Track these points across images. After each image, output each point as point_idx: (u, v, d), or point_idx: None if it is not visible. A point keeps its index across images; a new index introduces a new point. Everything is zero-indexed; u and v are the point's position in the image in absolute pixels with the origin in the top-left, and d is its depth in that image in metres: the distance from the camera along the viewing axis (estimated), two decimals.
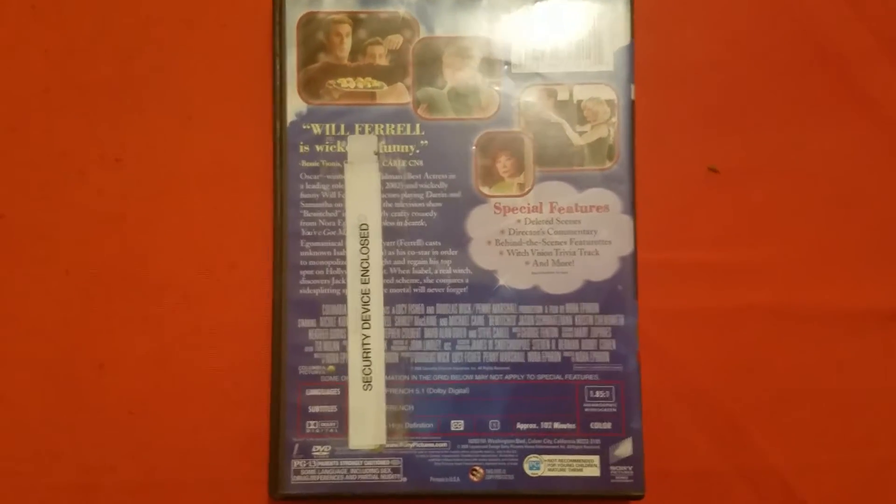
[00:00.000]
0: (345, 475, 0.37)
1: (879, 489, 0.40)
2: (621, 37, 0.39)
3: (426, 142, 0.38)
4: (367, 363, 0.38)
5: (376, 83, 0.39)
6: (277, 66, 0.39)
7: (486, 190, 0.38)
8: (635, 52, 0.39)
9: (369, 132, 0.38)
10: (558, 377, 0.37)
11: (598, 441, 0.37)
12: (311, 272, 0.38)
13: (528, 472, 0.37)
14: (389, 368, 0.38)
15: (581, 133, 0.38)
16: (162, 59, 0.41)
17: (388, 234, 0.38)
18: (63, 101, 0.40)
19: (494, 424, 0.37)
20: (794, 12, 0.41)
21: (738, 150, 0.41)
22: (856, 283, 0.40)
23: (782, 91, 0.41)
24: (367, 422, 0.37)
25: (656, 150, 0.40)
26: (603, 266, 0.38)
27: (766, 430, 0.40)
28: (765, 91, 0.41)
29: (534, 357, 0.38)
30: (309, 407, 0.37)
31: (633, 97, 0.38)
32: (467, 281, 0.38)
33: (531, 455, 0.37)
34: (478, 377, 0.37)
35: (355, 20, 0.39)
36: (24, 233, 0.40)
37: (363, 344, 0.38)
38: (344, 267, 0.38)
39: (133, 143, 0.40)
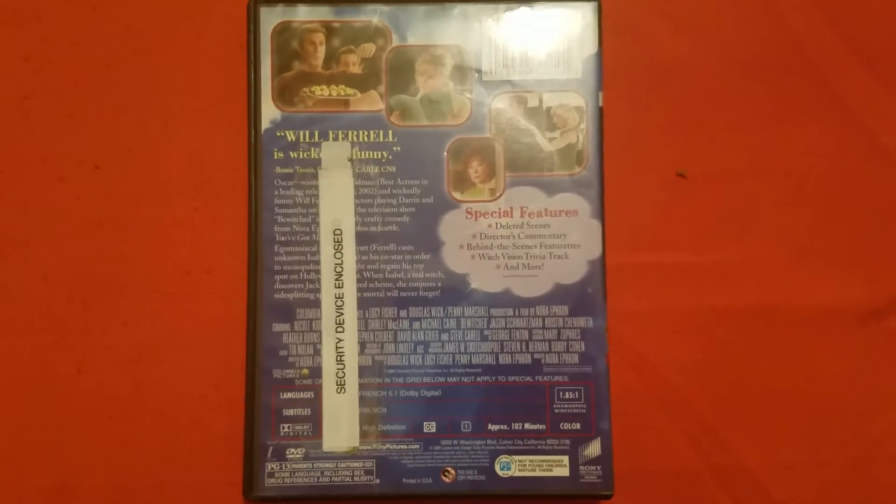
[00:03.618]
0: (318, 477, 0.37)
1: (853, 488, 0.40)
2: (589, 45, 0.39)
3: (399, 148, 0.39)
4: (341, 366, 0.38)
5: (350, 91, 0.39)
6: (252, 74, 0.39)
7: (457, 195, 0.39)
8: (603, 60, 0.40)
9: (343, 139, 0.39)
10: (529, 378, 0.38)
11: (567, 441, 0.37)
12: (285, 276, 0.39)
13: (500, 472, 0.37)
14: (363, 371, 0.38)
15: (551, 139, 0.39)
16: (140, 67, 0.41)
17: (362, 238, 0.39)
18: (42, 108, 0.41)
19: (466, 426, 0.38)
20: (763, 18, 0.42)
21: (705, 154, 0.41)
22: (825, 284, 0.41)
23: (750, 96, 0.42)
24: (341, 424, 0.38)
25: (625, 155, 0.40)
26: (572, 269, 0.38)
27: (738, 431, 0.40)
28: (732, 96, 0.42)
29: (505, 359, 0.38)
30: (283, 410, 0.38)
31: (601, 104, 0.39)
32: (440, 284, 0.38)
33: (502, 456, 0.38)
34: (450, 379, 0.38)
35: (329, 29, 0.39)
36: (2, 238, 0.40)
37: (337, 347, 0.38)
38: (318, 271, 0.39)
39: (111, 150, 0.41)
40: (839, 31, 0.42)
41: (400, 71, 0.39)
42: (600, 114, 0.39)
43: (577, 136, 0.39)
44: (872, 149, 0.42)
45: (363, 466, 0.37)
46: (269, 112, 0.39)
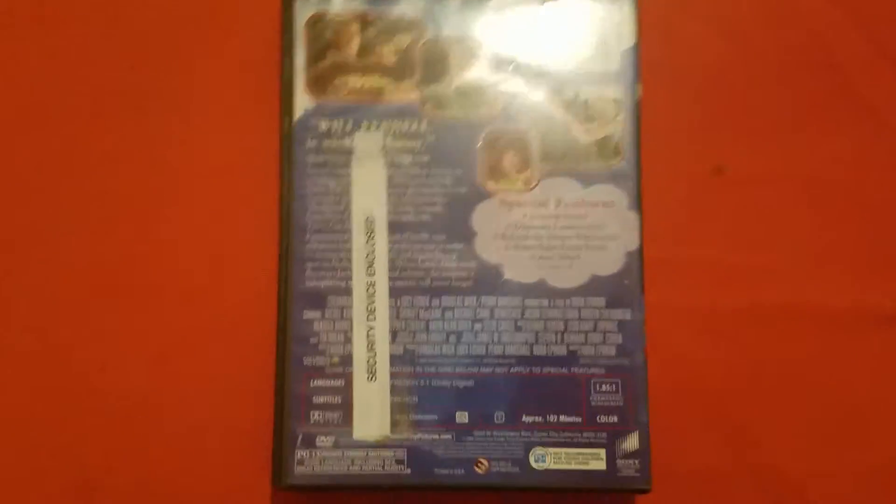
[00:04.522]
0: (349, 466, 0.37)
1: (889, 490, 0.39)
2: (627, 37, 0.39)
3: (432, 138, 0.39)
4: (372, 354, 0.38)
5: (383, 81, 0.39)
6: (286, 64, 0.39)
7: (492, 185, 0.39)
8: (641, 53, 0.39)
9: (376, 129, 0.39)
10: (564, 370, 0.37)
11: (604, 434, 0.37)
12: (316, 264, 0.38)
13: (534, 464, 0.37)
14: (394, 360, 0.38)
15: (587, 130, 0.39)
16: (173, 58, 0.41)
17: (394, 227, 0.38)
18: (70, 102, 0.41)
19: (499, 417, 0.37)
20: (797, 19, 0.42)
21: (743, 151, 0.41)
22: (860, 285, 0.41)
23: (786, 95, 0.42)
24: (372, 413, 0.37)
25: (662, 149, 0.40)
26: (609, 260, 0.38)
27: (773, 430, 0.40)
28: (769, 94, 0.42)
29: (539, 350, 0.38)
30: (313, 397, 0.37)
31: (639, 96, 0.39)
32: (473, 274, 0.38)
33: (537, 447, 0.37)
34: (483, 370, 0.37)
35: (363, 20, 0.39)
36: (26, 233, 0.40)
37: (368, 335, 0.38)
38: (350, 260, 0.38)
39: (142, 140, 0.41)
40: (869, 37, 0.42)
41: (434, 62, 0.39)
42: (638, 106, 0.39)
43: (614, 129, 0.39)
44: None
45: (394, 456, 0.37)
46: (303, 101, 0.39)
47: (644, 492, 0.36)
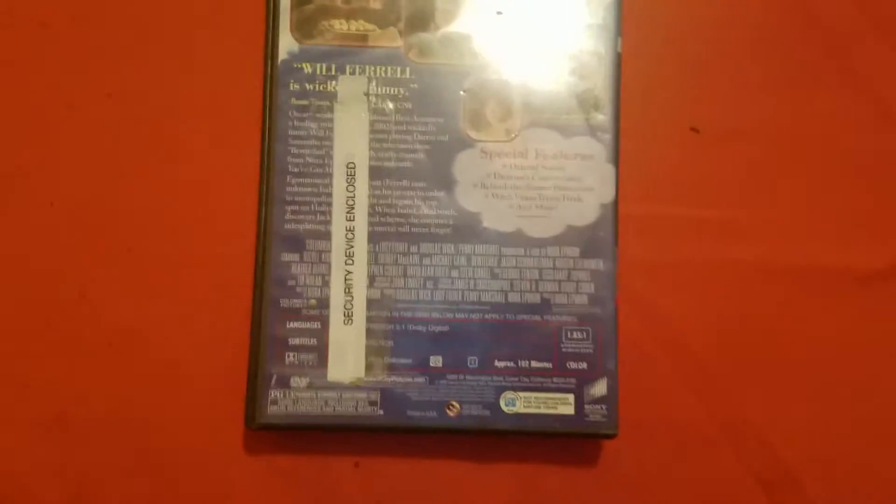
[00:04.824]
0: (322, 407, 0.37)
1: (856, 446, 0.40)
2: None
3: (416, 85, 0.39)
4: (349, 298, 0.38)
5: (369, 26, 0.39)
6: (271, 5, 0.39)
7: (473, 134, 0.39)
8: (624, 7, 0.40)
9: (360, 73, 0.39)
10: (537, 318, 0.38)
11: (573, 380, 0.37)
12: (296, 207, 0.38)
13: (504, 408, 0.37)
14: (371, 304, 0.38)
15: (569, 83, 0.39)
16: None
17: (375, 173, 0.39)
18: (59, 36, 0.41)
19: (473, 362, 0.38)
20: None
21: (719, 112, 0.42)
22: (830, 244, 0.41)
23: (769, 56, 0.42)
24: (347, 355, 0.38)
25: (641, 105, 0.41)
26: (585, 212, 0.39)
27: (742, 384, 0.40)
28: (752, 55, 0.42)
29: (514, 298, 0.38)
30: (289, 339, 0.38)
31: (619, 50, 0.39)
32: (452, 222, 0.38)
33: (507, 392, 0.38)
34: (458, 315, 0.38)
35: None
36: (10, 163, 0.40)
37: (346, 279, 0.38)
38: (330, 204, 0.38)
39: (126, 78, 0.41)
40: (856, 1, 0.42)
41: (420, 8, 0.39)
42: (619, 60, 0.39)
43: (595, 82, 0.39)
44: (881, 115, 0.42)
45: (367, 397, 0.37)
46: (287, 44, 0.39)
47: (611, 437, 0.37)
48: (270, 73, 0.39)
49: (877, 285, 0.41)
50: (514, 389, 0.38)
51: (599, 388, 0.38)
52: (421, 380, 0.37)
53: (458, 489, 0.39)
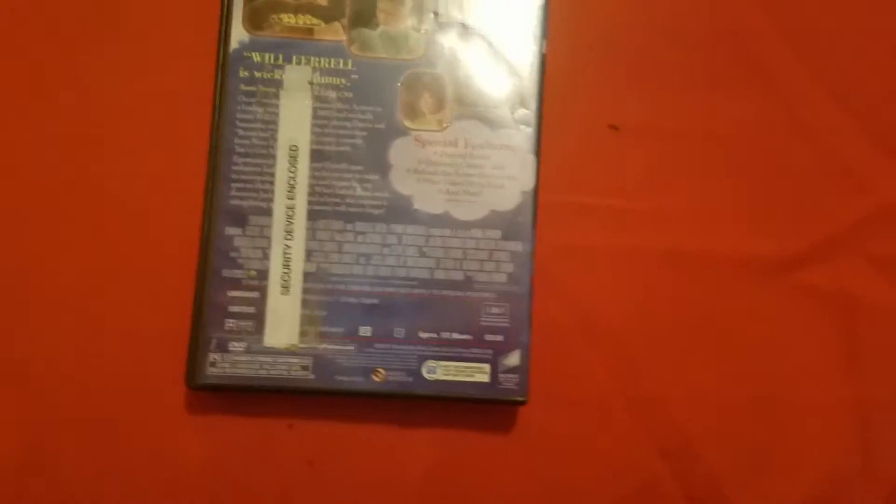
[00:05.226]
0: (258, 370, 0.40)
1: (754, 423, 0.44)
2: None
3: (357, 76, 0.42)
4: (287, 270, 0.41)
5: (315, 21, 0.43)
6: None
7: (408, 123, 0.42)
8: (550, 13, 0.43)
9: (305, 64, 0.42)
10: (460, 293, 0.41)
11: (490, 351, 0.41)
12: (241, 185, 0.41)
13: (426, 375, 0.41)
14: (307, 277, 0.41)
15: (497, 79, 0.43)
16: None
17: (316, 156, 0.42)
18: (29, 24, 0.43)
19: (399, 332, 0.41)
20: None
21: (636, 111, 0.45)
22: (738, 237, 0.45)
23: (682, 63, 0.46)
24: (283, 323, 0.41)
25: (562, 103, 0.44)
26: (507, 198, 0.42)
27: (648, 360, 0.44)
28: (666, 62, 0.46)
29: (440, 275, 0.41)
30: (229, 307, 0.41)
31: (544, 51, 0.43)
32: (385, 203, 0.42)
33: (429, 360, 0.41)
34: (388, 289, 0.41)
35: None
36: None
37: (285, 253, 0.41)
38: (272, 183, 0.42)
39: (85, 58, 0.44)
40: (767, 10, 0.46)
41: (363, 6, 0.43)
42: (543, 60, 0.43)
43: (521, 79, 0.43)
44: (790, 120, 0.46)
45: (300, 362, 0.40)
46: (239, 34, 0.42)
47: (521, 403, 0.41)
48: (222, 60, 0.42)
49: (775, 275, 0.45)
50: (436, 358, 0.41)
51: (513, 358, 0.41)
52: (350, 347, 0.41)
53: (383, 450, 0.42)
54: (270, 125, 0.42)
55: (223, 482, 0.41)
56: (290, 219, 0.41)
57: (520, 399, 0.40)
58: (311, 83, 0.42)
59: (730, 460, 0.43)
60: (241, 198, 0.41)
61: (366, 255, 0.41)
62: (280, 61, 0.42)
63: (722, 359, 0.44)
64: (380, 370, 0.41)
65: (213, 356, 0.40)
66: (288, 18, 0.42)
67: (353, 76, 0.42)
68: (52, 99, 0.43)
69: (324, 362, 0.40)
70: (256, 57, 0.42)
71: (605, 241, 0.44)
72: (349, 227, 0.41)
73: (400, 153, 0.42)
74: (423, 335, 0.41)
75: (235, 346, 0.40)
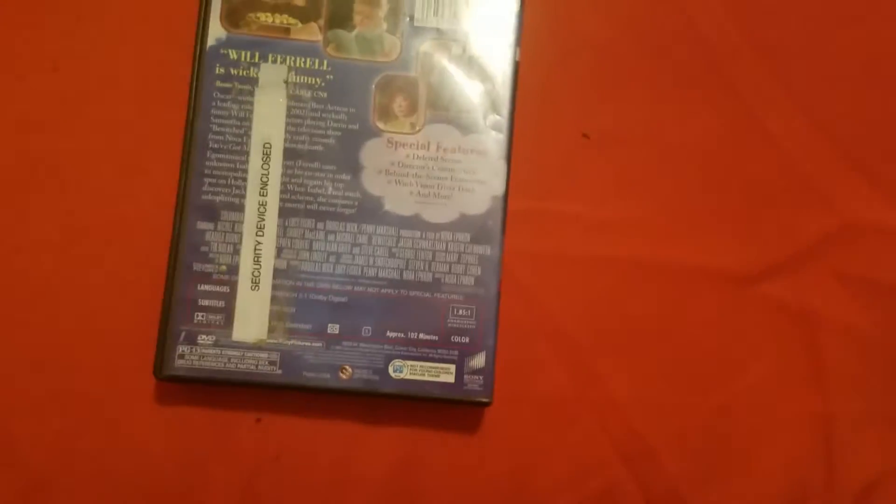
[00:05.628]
0: (225, 363, 0.41)
1: (712, 432, 0.45)
2: (513, 3, 0.44)
3: (332, 77, 0.43)
4: (258, 266, 0.42)
5: (292, 20, 0.43)
6: None
7: (381, 125, 0.43)
8: (525, 22, 0.44)
9: (281, 63, 0.43)
10: (428, 295, 0.42)
11: (456, 353, 0.42)
12: (214, 180, 0.42)
13: (392, 374, 0.41)
14: (277, 273, 0.42)
15: (470, 85, 0.43)
16: None
17: (289, 154, 0.42)
18: (6, 10, 0.43)
19: (367, 331, 0.41)
20: (669, 6, 0.47)
21: (610, 119, 0.46)
22: (704, 247, 0.45)
23: (653, 74, 0.47)
24: (252, 318, 0.41)
25: (535, 110, 0.45)
26: (477, 202, 0.43)
27: (611, 366, 0.44)
28: (637, 73, 0.46)
29: (408, 276, 0.42)
30: (199, 300, 0.41)
31: (517, 59, 0.44)
32: (356, 203, 0.42)
33: (396, 360, 0.41)
34: (357, 288, 0.42)
35: None
36: None
37: (255, 249, 0.42)
38: (245, 179, 0.42)
39: (70, 54, 0.44)
40: (738, 24, 0.47)
41: (339, 8, 0.43)
42: (516, 67, 0.44)
43: (494, 85, 0.43)
44: (757, 132, 0.47)
45: (268, 357, 0.41)
46: (216, 31, 0.43)
47: (485, 404, 0.42)
48: (199, 56, 0.42)
49: (739, 287, 0.46)
50: (403, 358, 0.42)
51: (478, 360, 0.42)
52: (318, 344, 0.41)
53: (348, 447, 0.43)
54: (245, 122, 0.42)
55: (189, 473, 0.42)
56: (261, 215, 0.42)
57: (484, 400, 0.41)
58: (286, 82, 0.42)
59: (690, 467, 0.44)
60: (214, 193, 0.42)
61: (336, 254, 0.42)
62: (256, 59, 0.43)
63: (685, 367, 0.45)
64: (346, 368, 0.41)
65: (181, 348, 0.41)
66: (265, 17, 0.43)
67: (327, 76, 0.43)
68: (24, 84, 0.43)
69: (291, 358, 0.41)
70: (233, 54, 0.42)
71: (572, 248, 0.45)
72: (320, 225, 0.42)
73: (372, 154, 0.42)
74: (391, 334, 0.42)
75: (204, 339, 0.41)
